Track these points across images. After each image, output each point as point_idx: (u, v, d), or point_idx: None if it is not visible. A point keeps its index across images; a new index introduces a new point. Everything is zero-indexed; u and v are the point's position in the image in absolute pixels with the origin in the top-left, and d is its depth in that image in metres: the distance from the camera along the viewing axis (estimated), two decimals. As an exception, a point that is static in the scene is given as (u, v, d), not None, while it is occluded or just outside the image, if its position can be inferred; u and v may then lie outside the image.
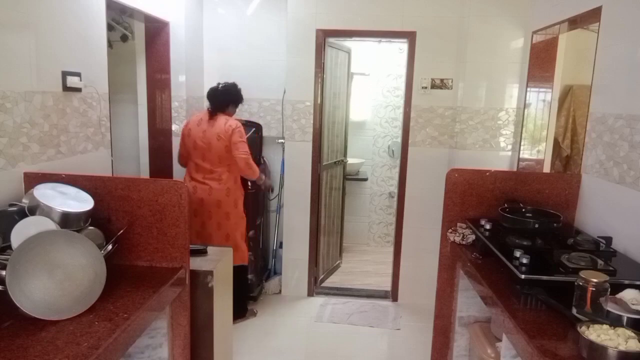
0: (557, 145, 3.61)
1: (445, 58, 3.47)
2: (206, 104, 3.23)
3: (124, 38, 3.33)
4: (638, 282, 1.53)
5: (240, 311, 3.29)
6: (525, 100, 3.21)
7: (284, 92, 3.66)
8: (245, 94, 3.94)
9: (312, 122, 3.61)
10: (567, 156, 3.74)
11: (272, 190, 3.85)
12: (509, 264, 1.70)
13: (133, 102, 3.43)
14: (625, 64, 2.01)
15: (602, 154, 2.14)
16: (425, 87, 3.51)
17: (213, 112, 3.05)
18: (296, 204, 3.72)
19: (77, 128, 2.22)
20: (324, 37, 3.54)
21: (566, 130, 3.71)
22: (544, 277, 1.59)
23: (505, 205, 2.24)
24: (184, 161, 3.17)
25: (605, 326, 1.25)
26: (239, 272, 3.07)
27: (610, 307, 1.36)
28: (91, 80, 2.30)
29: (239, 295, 3.05)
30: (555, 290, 1.53)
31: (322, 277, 4.04)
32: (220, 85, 3.13)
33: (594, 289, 1.37)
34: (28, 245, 1.40)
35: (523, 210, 2.20)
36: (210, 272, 2.03)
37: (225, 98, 3.12)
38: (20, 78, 1.85)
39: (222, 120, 3.02)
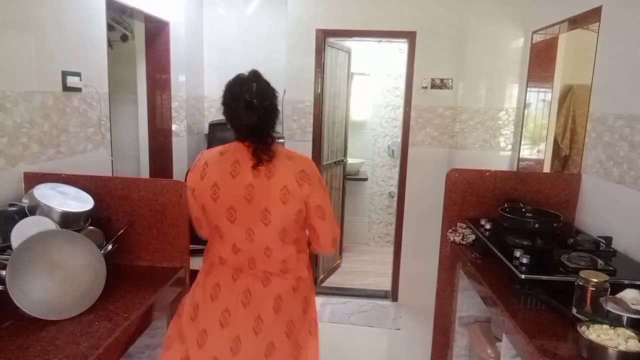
0: (555, 145, 3.61)
1: (445, 58, 3.47)
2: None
3: (124, 38, 3.33)
4: (638, 282, 1.52)
5: None
6: (525, 100, 3.21)
7: (284, 92, 3.66)
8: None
9: (312, 122, 3.61)
10: (566, 156, 3.74)
11: None
12: (509, 264, 1.70)
13: (133, 102, 3.43)
14: (625, 64, 2.01)
15: (602, 154, 2.14)
16: (425, 87, 3.51)
17: (262, 149, 1.50)
18: (296, 204, 3.71)
19: (77, 128, 2.22)
20: (324, 37, 3.54)
21: (565, 130, 3.71)
22: (544, 277, 1.59)
23: (505, 205, 2.23)
24: (204, 231, 1.67)
25: (605, 326, 1.25)
26: None
27: (610, 307, 1.36)
28: (91, 80, 2.30)
29: None
30: (555, 290, 1.53)
31: (322, 277, 4.04)
32: (256, 86, 1.51)
33: (594, 289, 1.38)
34: (28, 245, 1.40)
35: (523, 210, 2.20)
36: (210, 272, 2.03)
37: (275, 112, 1.56)
38: (20, 78, 1.85)
39: (283, 161, 1.51)
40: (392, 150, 5.01)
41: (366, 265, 4.61)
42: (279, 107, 1.58)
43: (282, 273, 1.55)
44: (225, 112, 1.53)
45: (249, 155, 1.49)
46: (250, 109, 1.47)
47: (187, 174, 1.61)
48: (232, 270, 1.55)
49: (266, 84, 1.54)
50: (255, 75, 1.53)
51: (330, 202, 1.62)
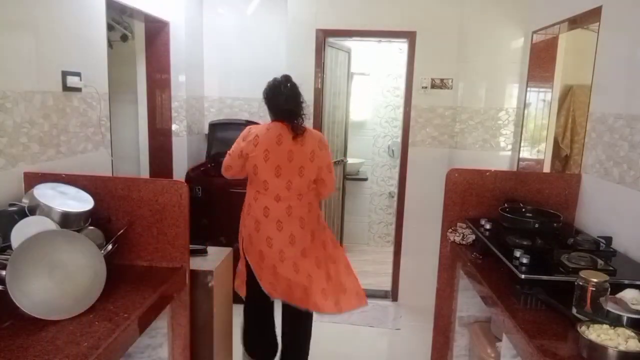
0: (556, 145, 3.61)
1: (445, 58, 3.47)
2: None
3: (124, 38, 3.33)
4: (638, 282, 1.52)
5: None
6: (525, 100, 3.21)
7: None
8: (245, 93, 3.97)
9: (312, 122, 3.61)
10: (566, 156, 3.74)
11: None
12: (509, 263, 1.70)
13: (133, 102, 3.43)
14: (625, 64, 2.01)
15: (602, 154, 2.14)
16: (425, 87, 3.51)
17: (298, 126, 2.31)
18: (296, 204, 3.71)
19: (77, 128, 2.22)
20: (324, 37, 3.54)
21: (565, 130, 3.71)
22: (544, 277, 1.59)
23: (505, 205, 2.23)
24: (230, 175, 2.41)
25: (605, 326, 1.25)
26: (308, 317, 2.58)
27: (610, 307, 1.36)
28: (91, 80, 2.30)
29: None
30: (555, 290, 1.53)
31: (322, 277, 4.04)
32: (289, 85, 2.35)
33: (594, 288, 1.37)
34: (28, 245, 1.40)
35: (523, 210, 2.20)
36: (210, 272, 2.03)
37: (302, 102, 2.38)
38: (20, 78, 1.85)
39: (309, 134, 2.34)
40: (392, 150, 5.01)
41: (366, 265, 4.61)
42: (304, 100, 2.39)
43: (309, 212, 2.37)
44: (268, 103, 2.36)
45: (288, 131, 2.29)
46: (287, 99, 2.30)
47: (239, 140, 2.38)
48: (276, 222, 2.31)
49: (294, 84, 2.37)
50: (286, 79, 2.36)
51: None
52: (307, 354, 2.60)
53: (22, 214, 1.61)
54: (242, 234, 2.42)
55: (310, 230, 2.36)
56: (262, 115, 3.93)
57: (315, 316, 3.46)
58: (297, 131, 2.29)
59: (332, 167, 2.44)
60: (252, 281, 2.43)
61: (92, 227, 1.72)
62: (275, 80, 2.35)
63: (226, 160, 2.38)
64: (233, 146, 2.38)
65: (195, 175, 3.55)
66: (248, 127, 2.38)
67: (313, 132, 2.40)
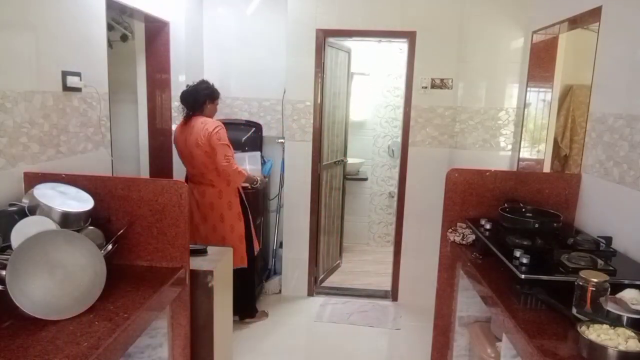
0: (555, 145, 3.61)
1: (445, 58, 3.47)
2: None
3: (124, 38, 3.32)
4: (638, 282, 1.53)
5: (251, 311, 3.35)
6: (525, 100, 3.21)
7: (284, 92, 3.66)
8: (245, 93, 3.97)
9: (312, 122, 3.61)
10: (566, 156, 3.74)
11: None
12: (509, 263, 1.70)
13: (133, 102, 3.43)
14: (625, 64, 2.01)
15: (602, 154, 2.14)
16: (425, 87, 3.51)
17: (188, 116, 2.93)
18: (296, 203, 3.72)
19: (77, 128, 2.22)
20: (324, 37, 3.54)
21: (565, 129, 3.71)
22: (544, 277, 1.59)
23: (505, 205, 2.24)
24: None
25: (605, 326, 1.25)
26: (242, 274, 3.08)
27: (610, 307, 1.36)
28: (91, 80, 2.30)
29: (246, 296, 3.27)
30: (555, 290, 1.53)
31: (322, 277, 4.04)
32: (194, 83, 3.00)
33: (594, 288, 1.37)
34: (28, 245, 1.40)
35: (523, 210, 2.20)
36: (210, 272, 2.03)
37: (195, 97, 2.93)
38: (20, 78, 1.85)
39: (198, 123, 2.86)
40: (392, 150, 5.01)
41: (366, 265, 4.61)
42: (206, 99, 2.96)
43: (212, 187, 2.97)
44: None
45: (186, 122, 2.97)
46: (187, 94, 2.97)
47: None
48: (191, 185, 3.02)
49: (205, 85, 3.00)
50: (199, 81, 3.03)
51: (223, 148, 2.83)
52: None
53: (22, 214, 1.61)
54: None
55: (209, 202, 2.98)
56: (261, 115, 3.93)
57: (315, 316, 3.47)
58: (188, 120, 2.94)
59: (219, 156, 2.81)
60: None
61: (92, 227, 1.72)
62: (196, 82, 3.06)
63: None
64: None
65: (195, 175, 3.54)
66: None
67: (206, 124, 2.85)
